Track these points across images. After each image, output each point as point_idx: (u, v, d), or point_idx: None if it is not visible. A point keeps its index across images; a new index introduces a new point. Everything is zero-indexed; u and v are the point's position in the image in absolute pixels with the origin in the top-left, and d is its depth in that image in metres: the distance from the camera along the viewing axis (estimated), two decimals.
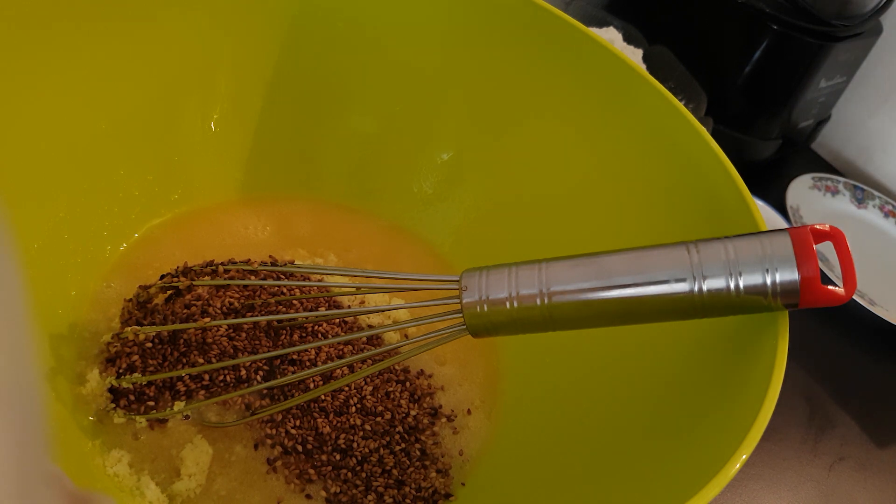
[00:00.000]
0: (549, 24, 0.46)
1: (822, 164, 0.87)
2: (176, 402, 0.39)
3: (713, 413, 0.33)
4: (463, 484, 0.41)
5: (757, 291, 0.29)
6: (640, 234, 0.44)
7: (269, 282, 0.44)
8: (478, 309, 0.33)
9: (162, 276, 0.44)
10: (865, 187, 0.79)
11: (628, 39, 0.70)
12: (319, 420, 0.40)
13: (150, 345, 0.40)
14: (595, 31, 0.51)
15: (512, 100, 0.49)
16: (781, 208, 0.71)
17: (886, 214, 0.78)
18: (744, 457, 0.27)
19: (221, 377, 0.40)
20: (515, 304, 0.32)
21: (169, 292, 0.43)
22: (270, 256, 0.48)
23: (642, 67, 0.45)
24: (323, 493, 0.38)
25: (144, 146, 0.47)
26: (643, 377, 0.40)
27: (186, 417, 0.39)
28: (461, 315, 0.33)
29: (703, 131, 0.41)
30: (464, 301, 0.33)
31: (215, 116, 0.49)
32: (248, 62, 0.49)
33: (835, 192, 0.79)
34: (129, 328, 0.40)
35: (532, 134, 0.49)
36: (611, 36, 0.69)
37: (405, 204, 0.54)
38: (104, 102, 0.44)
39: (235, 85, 0.49)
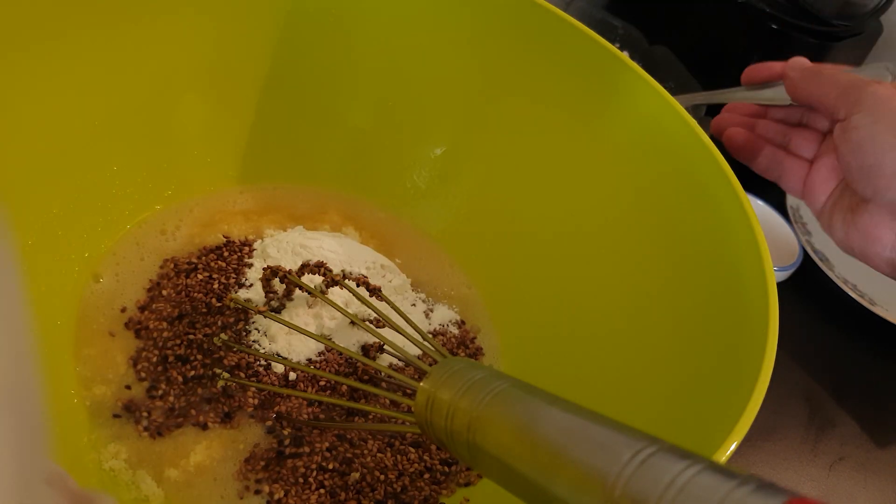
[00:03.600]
0: (545, 21, 0.46)
1: None
2: (223, 373, 0.41)
3: (701, 404, 0.34)
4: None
5: None
6: (633, 230, 0.44)
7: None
8: (426, 401, 0.32)
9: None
10: None
11: (628, 39, 0.70)
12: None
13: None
14: None
15: (506, 96, 0.49)
16: (781, 208, 0.71)
17: None
18: (734, 445, 0.27)
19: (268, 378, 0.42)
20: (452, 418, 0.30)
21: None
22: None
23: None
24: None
25: (138, 142, 0.47)
26: (634, 377, 0.40)
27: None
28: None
29: (697, 127, 0.41)
30: (420, 385, 0.32)
31: (208, 112, 0.50)
32: (241, 57, 0.49)
33: None
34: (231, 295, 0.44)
35: (526, 130, 0.49)
36: None
37: (399, 198, 0.54)
38: (97, 98, 0.44)
39: (229, 80, 0.49)
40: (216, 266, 0.46)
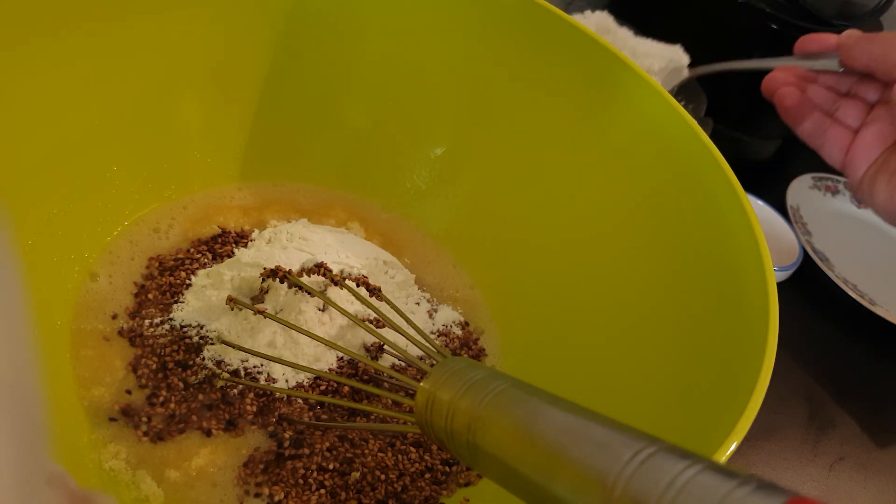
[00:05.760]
0: (545, 21, 0.46)
1: (822, 164, 0.86)
2: (223, 373, 0.41)
3: (702, 404, 0.34)
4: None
5: None
6: (633, 230, 0.44)
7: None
8: (426, 401, 0.32)
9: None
10: None
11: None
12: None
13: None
14: (588, 15, 0.51)
15: (506, 97, 0.49)
16: (781, 208, 0.71)
17: None
18: (734, 445, 0.27)
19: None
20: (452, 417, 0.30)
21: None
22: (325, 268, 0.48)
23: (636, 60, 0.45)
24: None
25: (138, 142, 0.47)
26: (635, 377, 0.40)
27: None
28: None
29: (697, 127, 0.41)
30: (420, 385, 0.32)
31: (209, 112, 0.49)
32: (241, 56, 0.49)
33: (835, 192, 0.78)
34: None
35: (526, 130, 0.49)
36: (601, 20, 0.68)
37: (400, 199, 0.54)
38: (97, 98, 0.44)
39: (229, 80, 0.49)
40: (204, 260, 0.46)
